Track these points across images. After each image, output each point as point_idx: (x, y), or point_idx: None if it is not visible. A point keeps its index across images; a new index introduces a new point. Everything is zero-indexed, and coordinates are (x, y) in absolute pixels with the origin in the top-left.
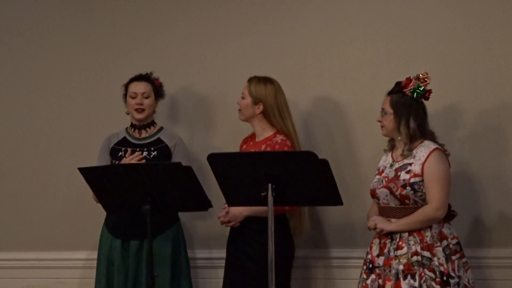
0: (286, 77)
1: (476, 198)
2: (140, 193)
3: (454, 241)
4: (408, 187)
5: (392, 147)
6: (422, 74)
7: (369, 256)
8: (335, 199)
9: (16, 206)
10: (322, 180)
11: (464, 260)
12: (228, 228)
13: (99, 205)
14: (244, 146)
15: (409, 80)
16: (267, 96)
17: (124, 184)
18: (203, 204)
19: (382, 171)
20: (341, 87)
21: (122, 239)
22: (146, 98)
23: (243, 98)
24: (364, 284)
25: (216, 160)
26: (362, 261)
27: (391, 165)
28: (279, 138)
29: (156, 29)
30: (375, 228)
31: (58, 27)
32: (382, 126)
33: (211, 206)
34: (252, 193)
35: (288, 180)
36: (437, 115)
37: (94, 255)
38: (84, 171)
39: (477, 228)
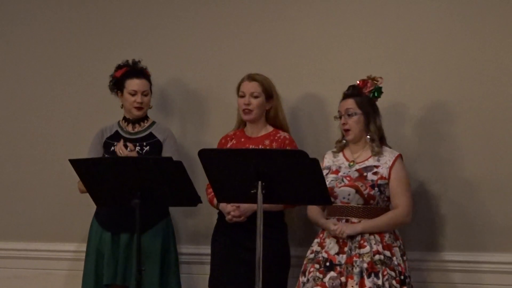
0: (279, 74)
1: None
2: (130, 186)
3: (401, 242)
4: (376, 188)
5: (341, 148)
6: (370, 76)
7: (324, 255)
8: (324, 199)
9: (5, 197)
10: (312, 179)
11: (408, 261)
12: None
13: (89, 198)
14: (231, 143)
15: (365, 82)
16: (275, 92)
17: (114, 177)
18: (193, 199)
19: (338, 171)
20: (330, 85)
21: (112, 232)
22: (145, 96)
23: (256, 97)
24: (320, 282)
25: (207, 156)
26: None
27: (350, 165)
28: (286, 134)
29: (150, 21)
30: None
31: (50, 19)
32: (347, 130)
33: (201, 201)
34: (242, 190)
35: (278, 178)
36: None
37: (83, 247)
38: (75, 163)
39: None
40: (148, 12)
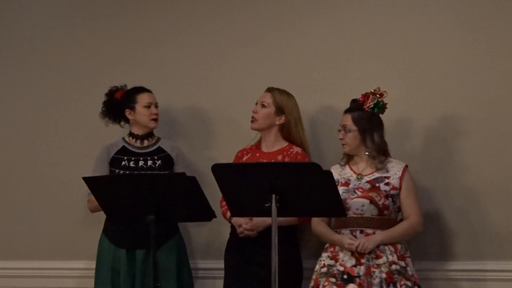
0: (292, 87)
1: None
2: (144, 203)
3: (409, 253)
4: (389, 198)
5: (348, 161)
6: (376, 90)
7: (339, 268)
8: (339, 211)
9: (12, 215)
10: (325, 192)
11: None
12: (227, 238)
13: (96, 215)
14: (246, 157)
15: (366, 96)
16: (292, 108)
17: (129, 194)
18: (207, 214)
19: (347, 183)
20: (349, 97)
21: (127, 249)
22: (157, 108)
23: (264, 106)
24: None
25: (221, 171)
26: None
27: (358, 178)
28: (298, 149)
29: (156, 41)
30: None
31: (64, 40)
32: (344, 144)
33: (215, 216)
34: (256, 204)
35: (292, 191)
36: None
37: (92, 264)
38: (89, 181)
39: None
40: (155, 32)
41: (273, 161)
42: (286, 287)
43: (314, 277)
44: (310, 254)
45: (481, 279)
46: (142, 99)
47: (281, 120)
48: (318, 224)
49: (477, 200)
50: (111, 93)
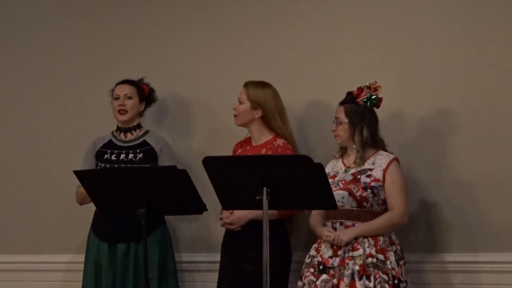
0: (279, 81)
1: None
2: (135, 196)
3: (399, 247)
4: (368, 190)
5: (342, 154)
6: (372, 84)
7: (318, 259)
8: (330, 203)
9: None
10: (316, 184)
11: (406, 266)
12: (222, 231)
13: (83, 209)
14: (240, 151)
15: (360, 90)
16: (266, 101)
17: (120, 187)
18: (198, 207)
19: (335, 176)
20: (336, 92)
21: (109, 243)
22: (129, 99)
23: (240, 103)
24: (313, 285)
25: (212, 164)
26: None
27: (346, 171)
28: (280, 141)
29: (143, 34)
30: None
31: (52, 35)
32: (336, 136)
33: (206, 209)
34: (247, 196)
35: (283, 184)
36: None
37: (77, 258)
38: (79, 174)
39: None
40: (145, 26)
41: (257, 154)
42: (273, 279)
43: (303, 267)
44: (302, 247)
45: (474, 270)
46: (114, 92)
47: (258, 113)
48: (313, 217)
49: (470, 192)
50: None
